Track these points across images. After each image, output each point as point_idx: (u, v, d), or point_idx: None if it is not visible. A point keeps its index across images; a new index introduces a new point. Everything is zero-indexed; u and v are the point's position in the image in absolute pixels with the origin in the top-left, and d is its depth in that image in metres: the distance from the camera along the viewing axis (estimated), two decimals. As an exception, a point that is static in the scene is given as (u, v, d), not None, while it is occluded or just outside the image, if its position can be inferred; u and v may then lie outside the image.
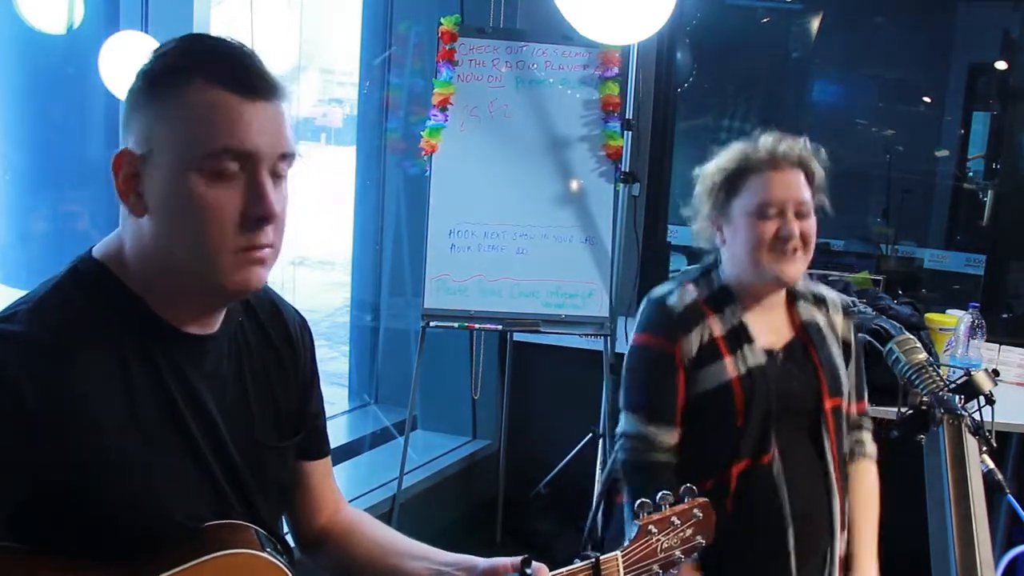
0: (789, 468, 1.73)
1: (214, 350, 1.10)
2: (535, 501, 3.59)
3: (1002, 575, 2.44)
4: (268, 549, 1.08)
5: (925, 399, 1.47)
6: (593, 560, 1.20)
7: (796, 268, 1.72)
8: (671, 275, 1.87)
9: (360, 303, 4.05)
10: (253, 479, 1.13)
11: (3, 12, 2.70)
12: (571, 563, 1.20)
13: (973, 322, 2.92)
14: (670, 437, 1.75)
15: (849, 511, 1.85)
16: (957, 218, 4.42)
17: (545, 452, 3.58)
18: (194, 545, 1.03)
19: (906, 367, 1.54)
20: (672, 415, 1.75)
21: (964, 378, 1.50)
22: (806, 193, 1.73)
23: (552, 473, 3.52)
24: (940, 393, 1.46)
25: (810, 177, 1.76)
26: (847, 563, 1.82)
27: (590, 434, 3.35)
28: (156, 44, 1.07)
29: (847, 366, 1.84)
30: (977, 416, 1.44)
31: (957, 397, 1.46)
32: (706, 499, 1.33)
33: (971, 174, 4.31)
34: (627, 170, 3.19)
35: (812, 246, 1.74)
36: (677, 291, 1.79)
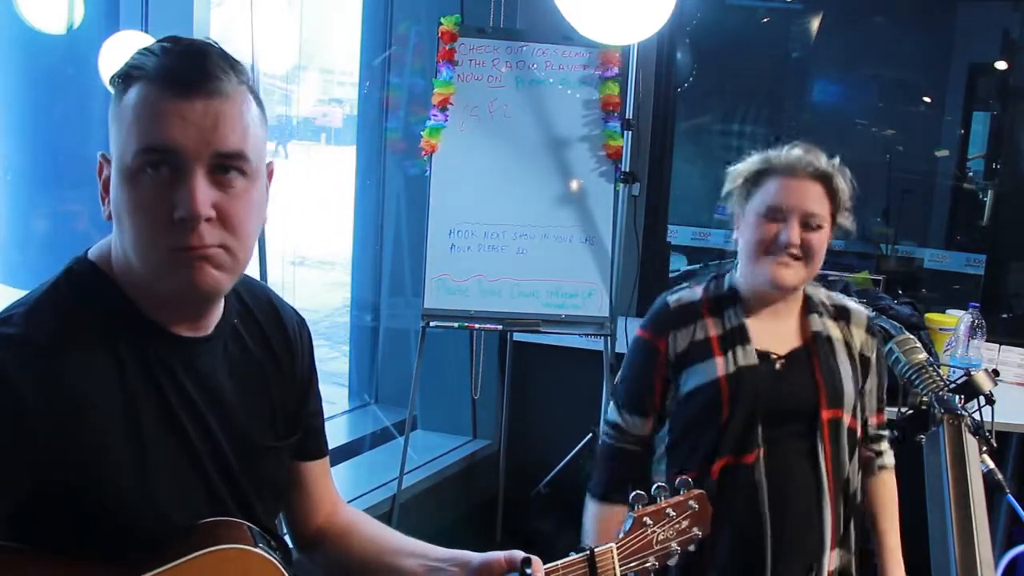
0: (775, 473, 1.72)
1: (208, 352, 1.10)
2: (535, 501, 3.59)
3: (1002, 575, 2.44)
4: (261, 545, 1.08)
5: (925, 399, 1.47)
6: (588, 552, 1.20)
7: (791, 275, 1.71)
8: (671, 274, 1.93)
9: (360, 303, 4.05)
10: (248, 479, 1.13)
11: (3, 12, 2.70)
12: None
13: (973, 322, 2.92)
14: (641, 428, 1.82)
15: (873, 521, 1.88)
16: (957, 218, 4.42)
17: (545, 452, 3.58)
18: (188, 541, 1.03)
19: (906, 367, 1.54)
20: (646, 407, 1.81)
21: (964, 378, 1.49)
22: (817, 205, 1.73)
23: (552, 473, 3.52)
24: (940, 393, 1.46)
25: (831, 193, 1.75)
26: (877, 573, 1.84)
27: (590, 434, 3.35)
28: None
29: (863, 382, 1.83)
30: (977, 416, 1.44)
31: (957, 397, 1.46)
32: (702, 491, 1.33)
33: (971, 174, 4.31)
34: (627, 170, 3.19)
35: (816, 259, 1.74)
36: (684, 291, 1.84)
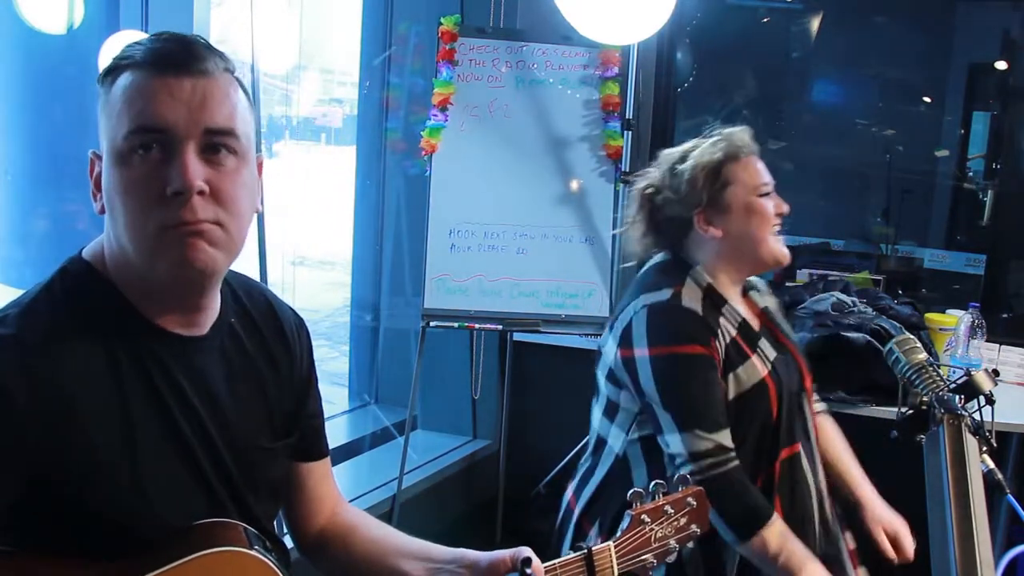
0: (808, 454, 1.78)
1: (203, 350, 1.10)
2: (535, 501, 3.59)
3: (1002, 575, 2.44)
4: (256, 547, 1.07)
5: (925, 399, 1.48)
6: (585, 551, 1.20)
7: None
8: (645, 282, 1.78)
9: (360, 303, 4.05)
10: (244, 479, 1.12)
11: (3, 12, 2.70)
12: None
13: (973, 322, 2.91)
14: (729, 438, 1.66)
15: (836, 458, 1.92)
16: (957, 218, 4.42)
17: (545, 452, 3.57)
18: (183, 543, 1.03)
19: (906, 367, 1.54)
20: (727, 417, 1.67)
21: (964, 378, 1.50)
22: None
23: (552, 473, 3.52)
24: (940, 393, 1.46)
25: None
26: (852, 503, 1.87)
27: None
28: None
29: None
30: (977, 416, 1.44)
31: (957, 397, 1.46)
32: (700, 487, 1.33)
33: (971, 174, 4.30)
34: (627, 170, 3.19)
35: None
36: (683, 296, 1.71)
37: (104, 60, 2.44)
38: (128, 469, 1.01)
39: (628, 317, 1.72)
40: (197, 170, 0.99)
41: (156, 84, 0.99)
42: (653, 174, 1.83)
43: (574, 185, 3.27)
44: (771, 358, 1.74)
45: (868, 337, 2.61)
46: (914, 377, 1.52)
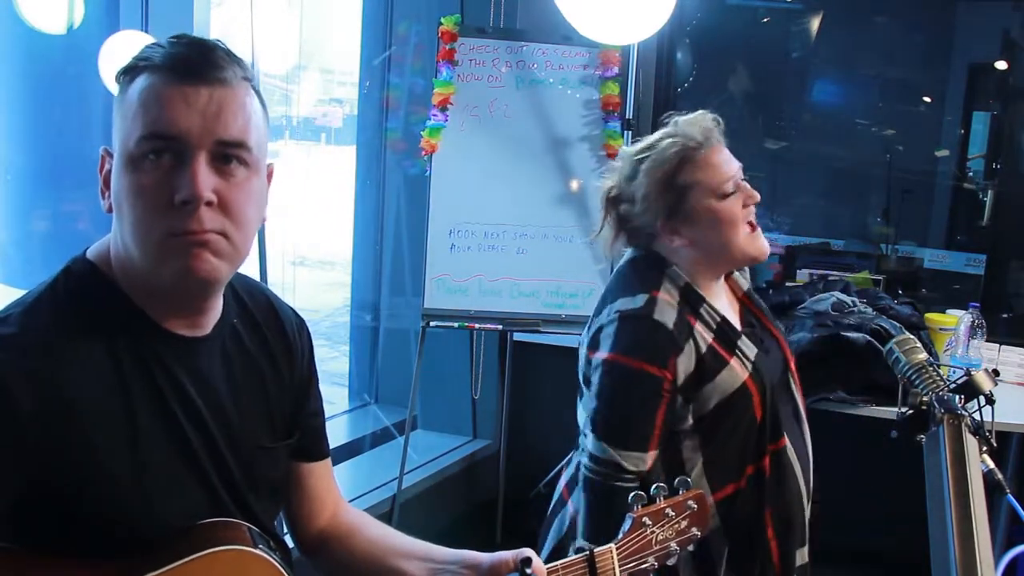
0: (796, 444, 1.74)
1: (205, 351, 1.10)
2: (535, 501, 3.59)
3: (1002, 575, 2.44)
4: (260, 546, 1.08)
5: (925, 399, 1.47)
6: (588, 553, 1.21)
7: (764, 239, 1.72)
8: (621, 283, 1.72)
9: (360, 303, 4.05)
10: (245, 479, 1.13)
11: (3, 12, 2.70)
12: None
13: (973, 322, 2.91)
14: (642, 464, 1.62)
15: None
16: (957, 218, 4.42)
17: (545, 452, 3.57)
18: (186, 542, 1.03)
19: (906, 367, 1.54)
20: (647, 443, 1.62)
21: (964, 378, 1.49)
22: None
23: (552, 473, 3.51)
24: (940, 393, 1.46)
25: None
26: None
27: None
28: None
29: None
30: (977, 416, 1.44)
31: (957, 397, 1.46)
32: (700, 491, 1.33)
33: (971, 174, 4.30)
34: (627, 170, 3.18)
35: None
36: (658, 304, 1.64)
37: (104, 60, 2.45)
38: (129, 469, 1.01)
39: (601, 323, 1.69)
40: (206, 180, 0.99)
41: (172, 90, 0.99)
42: (615, 176, 1.76)
43: (574, 185, 3.27)
44: (751, 357, 1.69)
45: (868, 337, 2.61)
46: (914, 377, 1.52)
